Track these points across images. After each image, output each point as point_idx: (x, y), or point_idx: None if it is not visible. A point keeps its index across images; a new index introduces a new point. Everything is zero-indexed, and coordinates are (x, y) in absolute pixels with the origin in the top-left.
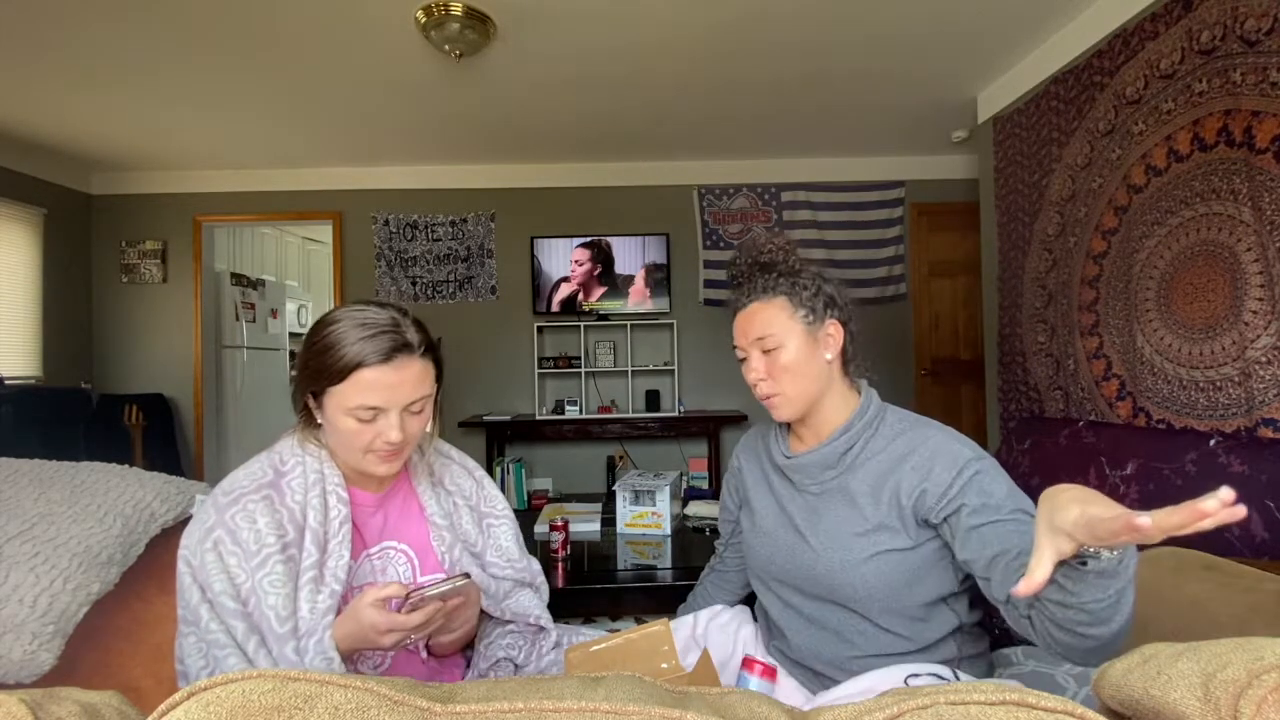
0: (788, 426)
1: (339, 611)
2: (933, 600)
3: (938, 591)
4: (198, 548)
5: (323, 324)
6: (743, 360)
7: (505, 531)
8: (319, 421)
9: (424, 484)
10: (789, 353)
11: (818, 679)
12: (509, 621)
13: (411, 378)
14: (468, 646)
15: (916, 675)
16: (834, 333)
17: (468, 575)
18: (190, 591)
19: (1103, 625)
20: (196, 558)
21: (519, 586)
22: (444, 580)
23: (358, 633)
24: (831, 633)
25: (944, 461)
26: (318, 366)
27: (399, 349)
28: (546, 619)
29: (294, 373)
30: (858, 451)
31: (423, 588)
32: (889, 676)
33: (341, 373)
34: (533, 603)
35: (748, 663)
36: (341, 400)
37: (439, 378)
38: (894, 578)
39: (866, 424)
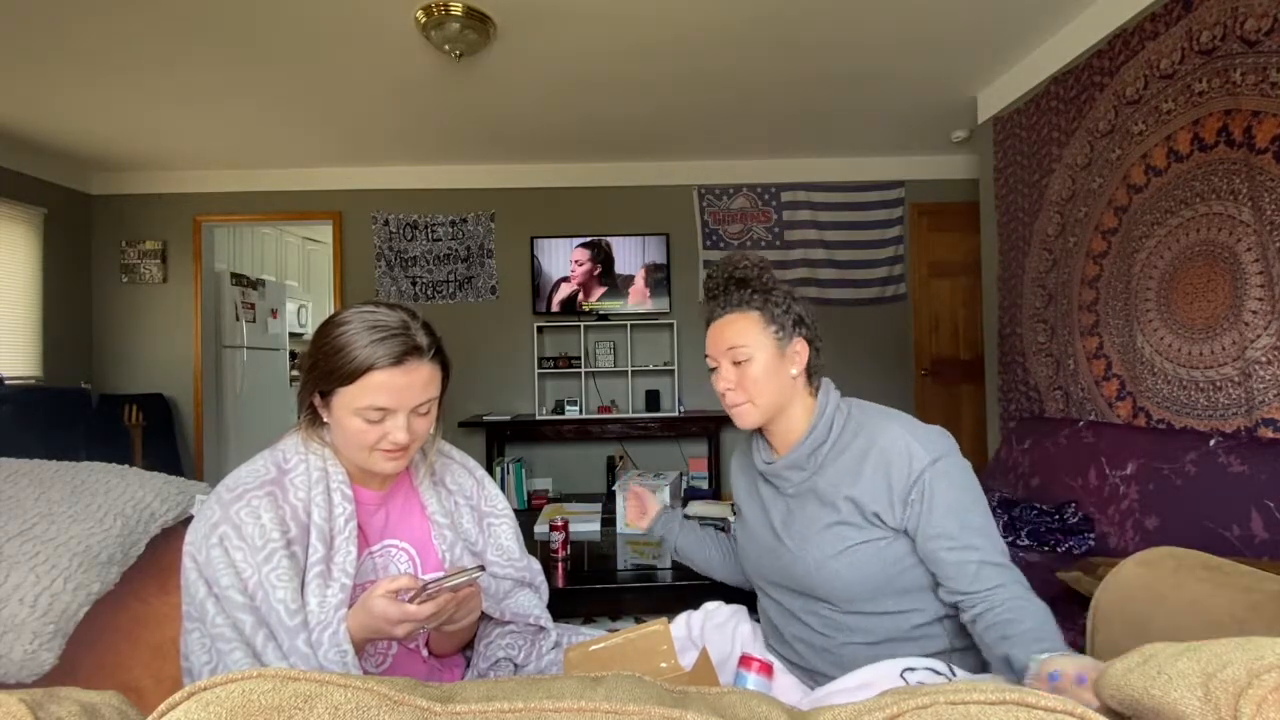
0: (764, 436)
1: (350, 605)
2: (912, 589)
3: (915, 581)
4: (203, 543)
5: (333, 324)
6: (713, 370)
7: (505, 531)
8: (324, 420)
9: (425, 483)
10: (758, 365)
11: (812, 676)
12: (509, 621)
13: (420, 380)
14: (467, 646)
15: (912, 670)
16: (800, 350)
17: (482, 567)
18: (196, 587)
19: None
20: (202, 554)
21: (519, 586)
22: (459, 571)
23: (369, 623)
24: (820, 627)
25: (897, 470)
26: (328, 367)
27: (409, 352)
28: (546, 619)
29: (299, 371)
30: (826, 451)
31: (439, 579)
32: (884, 672)
33: (352, 374)
34: (532, 602)
35: (745, 660)
36: (350, 401)
37: (446, 379)
38: (868, 570)
39: (826, 422)
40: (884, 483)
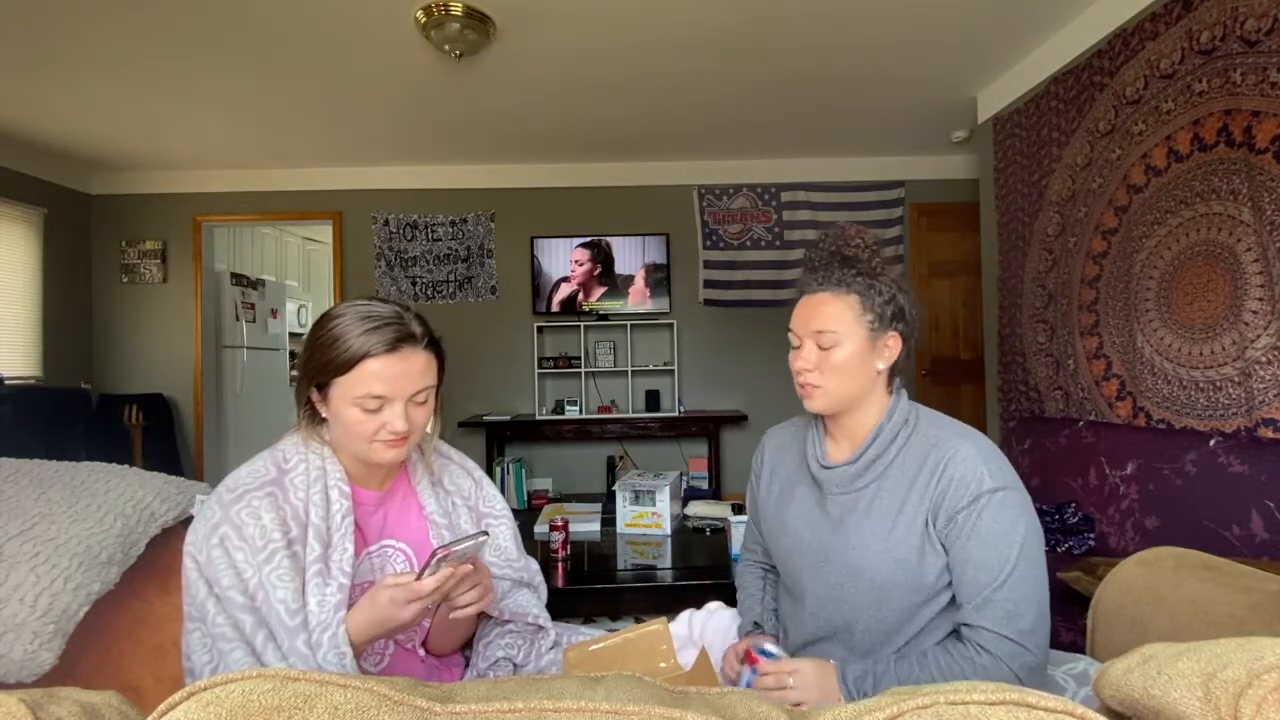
0: (824, 429)
1: (349, 605)
2: (942, 615)
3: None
4: (203, 544)
5: (327, 318)
6: (795, 347)
7: (504, 531)
8: (323, 416)
9: (423, 483)
10: (844, 352)
11: None
12: (508, 621)
13: (416, 368)
14: (466, 646)
15: None
16: (892, 345)
17: (485, 533)
18: (197, 587)
19: None
20: (203, 554)
21: (517, 586)
22: (465, 537)
23: (375, 618)
24: (843, 640)
25: (958, 488)
26: (324, 359)
27: (403, 340)
28: (545, 618)
29: (296, 370)
30: (890, 458)
31: (447, 545)
32: None
33: (348, 364)
34: (531, 602)
35: (751, 658)
36: (348, 391)
37: (441, 370)
38: (915, 583)
39: (895, 427)
40: (942, 498)
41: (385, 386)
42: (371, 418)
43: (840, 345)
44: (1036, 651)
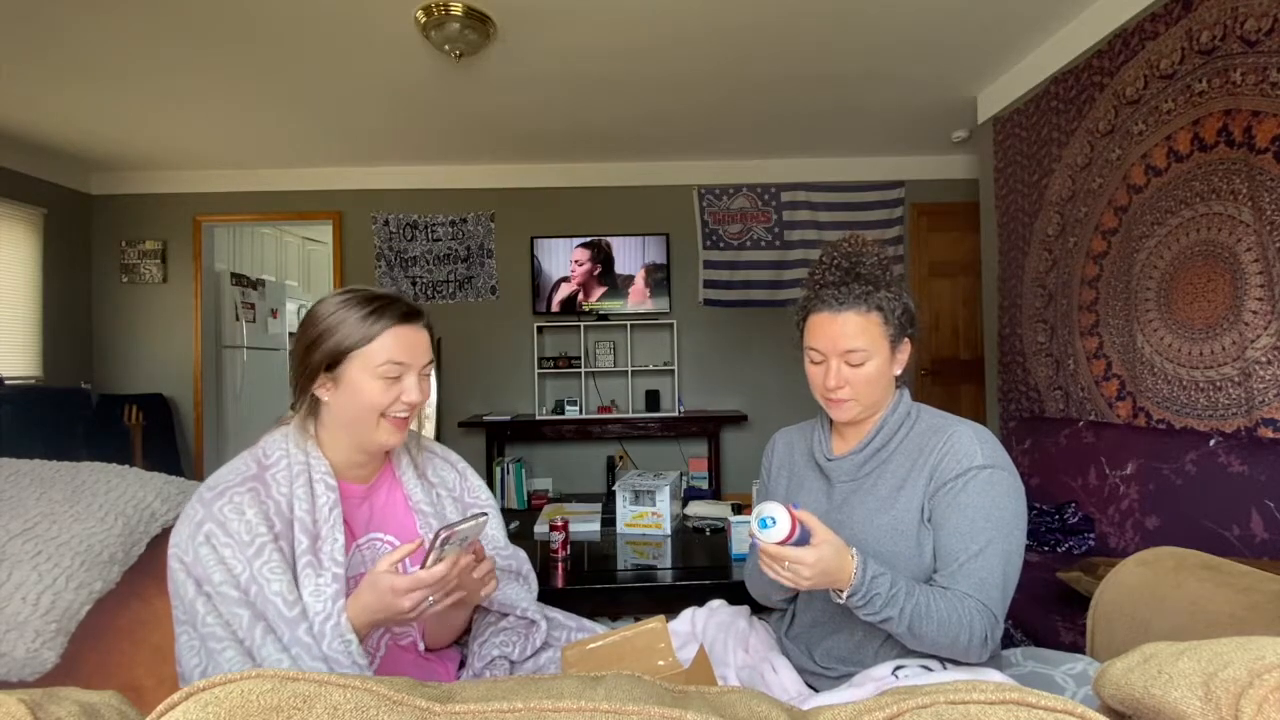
0: (829, 426)
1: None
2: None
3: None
4: (189, 544)
5: (326, 304)
6: (818, 363)
7: (492, 521)
8: (325, 400)
9: (408, 475)
10: (872, 366)
11: (820, 678)
12: (503, 618)
13: (424, 342)
14: (460, 641)
15: (903, 666)
16: (905, 349)
17: (484, 513)
18: (185, 587)
19: (909, 639)
20: (189, 554)
21: (507, 576)
22: (466, 517)
23: (375, 603)
24: (849, 618)
25: (953, 459)
26: (340, 336)
27: (412, 314)
28: (534, 611)
29: (294, 355)
30: (894, 447)
31: (450, 524)
32: (878, 675)
33: (369, 335)
34: (521, 595)
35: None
36: (369, 361)
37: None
38: (917, 555)
39: (899, 419)
40: (935, 470)
41: (406, 353)
42: (390, 387)
43: (870, 361)
44: (1000, 623)
